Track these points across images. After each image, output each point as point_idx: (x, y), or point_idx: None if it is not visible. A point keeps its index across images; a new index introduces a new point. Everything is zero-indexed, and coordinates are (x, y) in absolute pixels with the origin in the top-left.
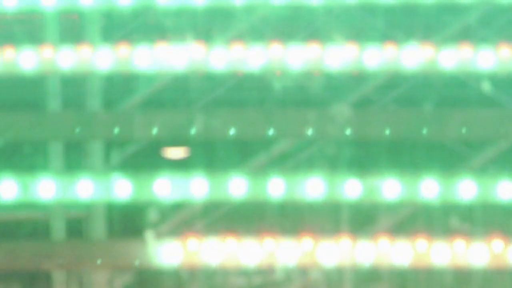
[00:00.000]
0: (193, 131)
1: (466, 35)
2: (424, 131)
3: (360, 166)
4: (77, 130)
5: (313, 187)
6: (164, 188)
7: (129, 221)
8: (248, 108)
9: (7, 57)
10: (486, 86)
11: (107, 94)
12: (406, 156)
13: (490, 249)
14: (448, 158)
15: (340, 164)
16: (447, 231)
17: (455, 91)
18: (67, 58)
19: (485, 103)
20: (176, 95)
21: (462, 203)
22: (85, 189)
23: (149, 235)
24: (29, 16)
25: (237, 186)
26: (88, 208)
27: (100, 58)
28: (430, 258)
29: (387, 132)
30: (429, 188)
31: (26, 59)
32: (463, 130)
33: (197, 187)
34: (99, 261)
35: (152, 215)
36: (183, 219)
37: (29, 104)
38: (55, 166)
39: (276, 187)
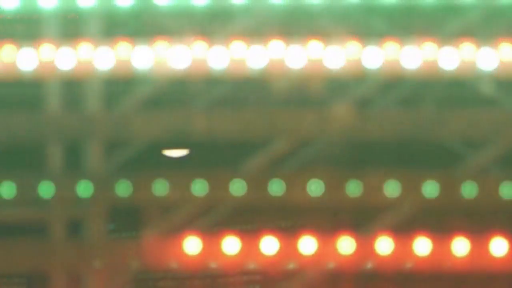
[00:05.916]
0: (193, 131)
1: (466, 35)
2: (425, 131)
3: (360, 166)
4: (77, 130)
5: (313, 187)
6: (164, 188)
7: (129, 221)
8: (248, 109)
9: (6, 57)
10: (486, 86)
11: (107, 94)
12: (407, 156)
13: (490, 247)
14: (448, 158)
15: (340, 164)
16: (448, 231)
17: (456, 91)
18: (67, 58)
19: (485, 103)
20: (176, 95)
21: (463, 203)
22: (85, 189)
23: (149, 235)
24: (29, 16)
25: (237, 186)
26: (88, 208)
27: (100, 58)
28: (430, 256)
29: (388, 132)
30: (430, 188)
31: (26, 59)
32: (464, 130)
33: (197, 187)
34: (98, 262)
35: (152, 215)
36: (183, 219)
37: (29, 104)
38: (55, 166)
39: (276, 187)
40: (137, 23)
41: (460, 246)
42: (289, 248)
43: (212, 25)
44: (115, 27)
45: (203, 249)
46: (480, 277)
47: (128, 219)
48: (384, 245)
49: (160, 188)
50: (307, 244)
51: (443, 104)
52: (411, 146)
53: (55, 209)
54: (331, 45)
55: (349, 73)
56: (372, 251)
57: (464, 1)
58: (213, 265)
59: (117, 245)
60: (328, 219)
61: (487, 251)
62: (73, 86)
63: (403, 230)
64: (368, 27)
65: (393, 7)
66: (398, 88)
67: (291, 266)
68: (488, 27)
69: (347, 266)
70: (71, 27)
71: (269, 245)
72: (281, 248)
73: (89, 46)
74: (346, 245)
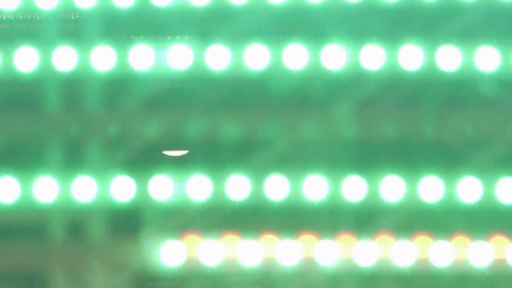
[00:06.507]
0: (193, 131)
1: (466, 35)
2: (426, 131)
3: (361, 166)
4: (76, 130)
5: (314, 187)
6: (164, 188)
7: (129, 221)
8: (248, 108)
9: (5, 57)
10: (487, 86)
11: (107, 94)
12: (408, 156)
13: (492, 249)
14: (450, 158)
15: (341, 164)
16: (449, 231)
17: (456, 91)
18: (67, 58)
19: (486, 103)
20: (176, 95)
21: (464, 203)
22: (85, 189)
23: (149, 235)
24: (29, 16)
25: (237, 186)
26: (87, 209)
27: (100, 58)
28: (431, 259)
29: (389, 132)
30: (432, 188)
31: (25, 60)
32: (466, 130)
33: (197, 187)
34: (98, 262)
35: (152, 215)
36: (183, 219)
37: (28, 104)
38: (54, 166)
39: (276, 187)
40: (137, 23)
41: (460, 246)
42: (288, 248)
43: (212, 25)
44: (115, 27)
45: (204, 249)
46: (480, 277)
47: (128, 219)
48: (384, 245)
49: (160, 188)
50: (307, 244)
51: (443, 104)
52: (411, 146)
53: (55, 209)
54: (331, 45)
55: (349, 73)
56: (372, 251)
57: (464, 1)
58: (213, 265)
59: (117, 245)
60: (328, 219)
61: (487, 251)
62: (73, 86)
63: (403, 230)
64: (368, 27)
65: (393, 7)
66: (398, 88)
67: (291, 266)
68: (488, 27)
69: (347, 266)
70: (71, 27)
71: (268, 245)
72: (280, 248)
73: (89, 46)
74: (346, 245)
